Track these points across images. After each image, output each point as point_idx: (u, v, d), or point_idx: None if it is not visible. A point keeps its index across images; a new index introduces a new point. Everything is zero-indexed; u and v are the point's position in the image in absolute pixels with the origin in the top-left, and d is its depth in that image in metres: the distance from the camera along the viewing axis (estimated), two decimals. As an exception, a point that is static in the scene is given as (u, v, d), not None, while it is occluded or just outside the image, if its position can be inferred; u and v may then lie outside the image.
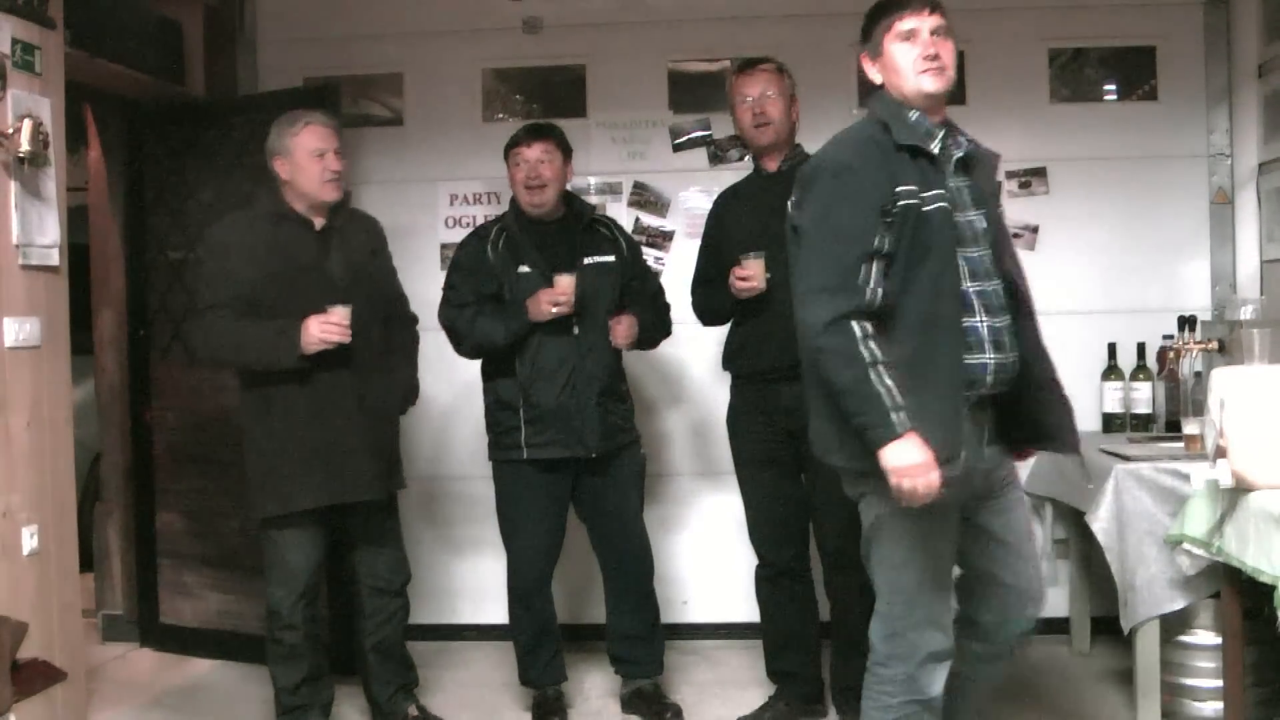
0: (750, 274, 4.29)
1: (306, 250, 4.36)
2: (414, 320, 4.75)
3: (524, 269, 4.56)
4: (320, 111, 4.59)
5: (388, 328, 4.55)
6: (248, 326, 4.26)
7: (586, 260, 4.60)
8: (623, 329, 4.59)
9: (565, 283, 4.44)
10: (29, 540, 4.40)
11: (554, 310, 4.43)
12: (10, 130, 4.24)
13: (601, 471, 4.65)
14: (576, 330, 4.52)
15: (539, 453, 4.55)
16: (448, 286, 4.67)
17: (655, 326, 4.78)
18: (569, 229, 4.66)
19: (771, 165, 4.53)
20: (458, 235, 5.63)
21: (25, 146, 4.24)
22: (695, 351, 5.58)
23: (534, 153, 4.58)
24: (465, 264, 4.65)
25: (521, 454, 4.57)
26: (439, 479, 5.83)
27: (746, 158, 5.57)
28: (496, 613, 5.55)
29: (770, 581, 4.59)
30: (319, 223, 4.41)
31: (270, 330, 4.23)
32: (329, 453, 4.31)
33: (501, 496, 4.70)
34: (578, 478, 4.65)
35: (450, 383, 5.56)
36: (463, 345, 4.64)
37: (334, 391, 4.31)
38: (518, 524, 4.66)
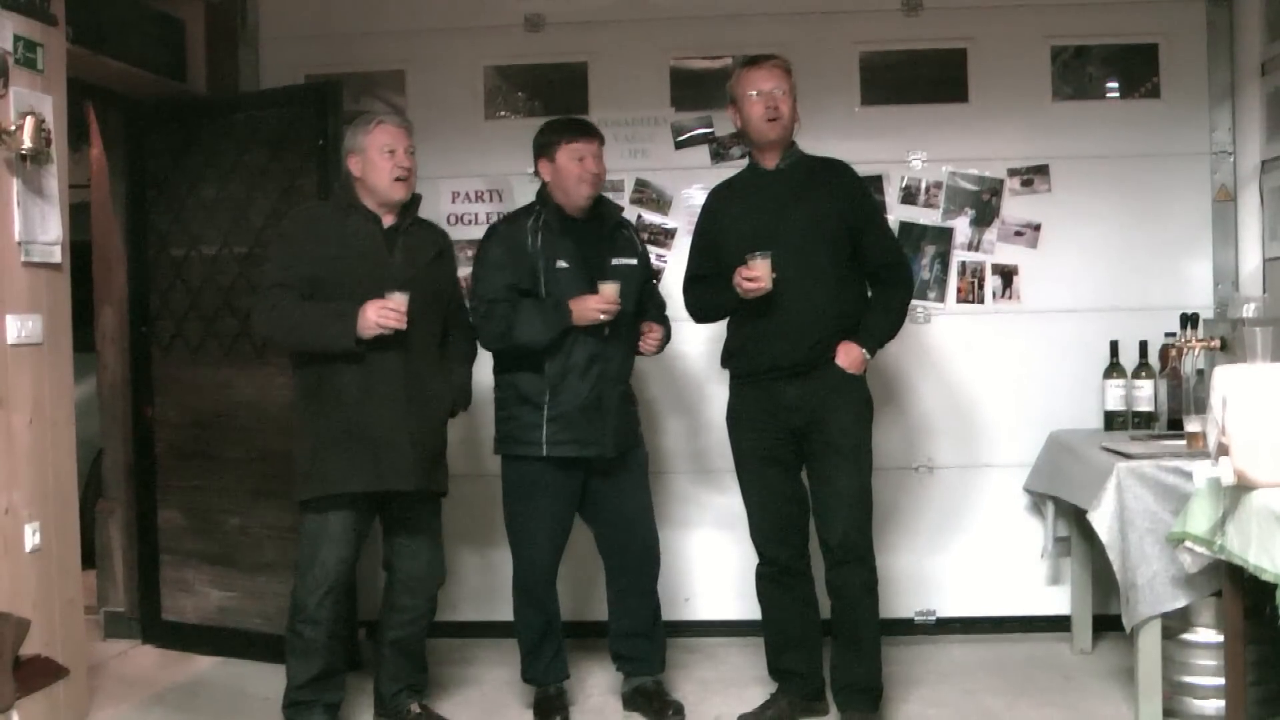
0: (757, 274, 4.24)
1: (372, 243, 4.41)
2: (474, 331, 4.77)
3: (562, 264, 4.55)
4: (395, 113, 4.78)
5: (445, 332, 4.60)
6: (308, 307, 4.33)
7: (614, 261, 4.62)
8: (655, 338, 4.66)
9: (612, 291, 4.46)
10: (31, 537, 4.42)
11: (602, 317, 4.45)
12: (12, 127, 4.25)
13: (613, 471, 4.66)
14: (606, 331, 4.53)
15: (559, 450, 4.55)
16: (479, 278, 4.64)
17: (668, 337, 4.82)
18: (597, 229, 4.67)
19: (769, 162, 4.50)
20: (460, 233, 5.66)
21: (27, 144, 4.26)
22: (693, 349, 5.58)
23: (594, 148, 4.60)
24: (500, 255, 4.60)
25: (541, 451, 4.55)
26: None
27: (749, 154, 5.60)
28: (497, 610, 5.56)
29: (772, 580, 4.59)
30: (388, 220, 4.46)
31: (329, 312, 4.28)
32: (373, 439, 4.34)
33: (512, 492, 4.69)
34: (588, 477, 4.65)
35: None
36: (496, 341, 4.60)
37: (384, 379, 4.35)
38: (528, 520, 4.65)
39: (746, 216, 4.47)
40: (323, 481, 4.36)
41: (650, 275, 4.84)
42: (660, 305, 4.87)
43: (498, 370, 4.70)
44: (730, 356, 4.58)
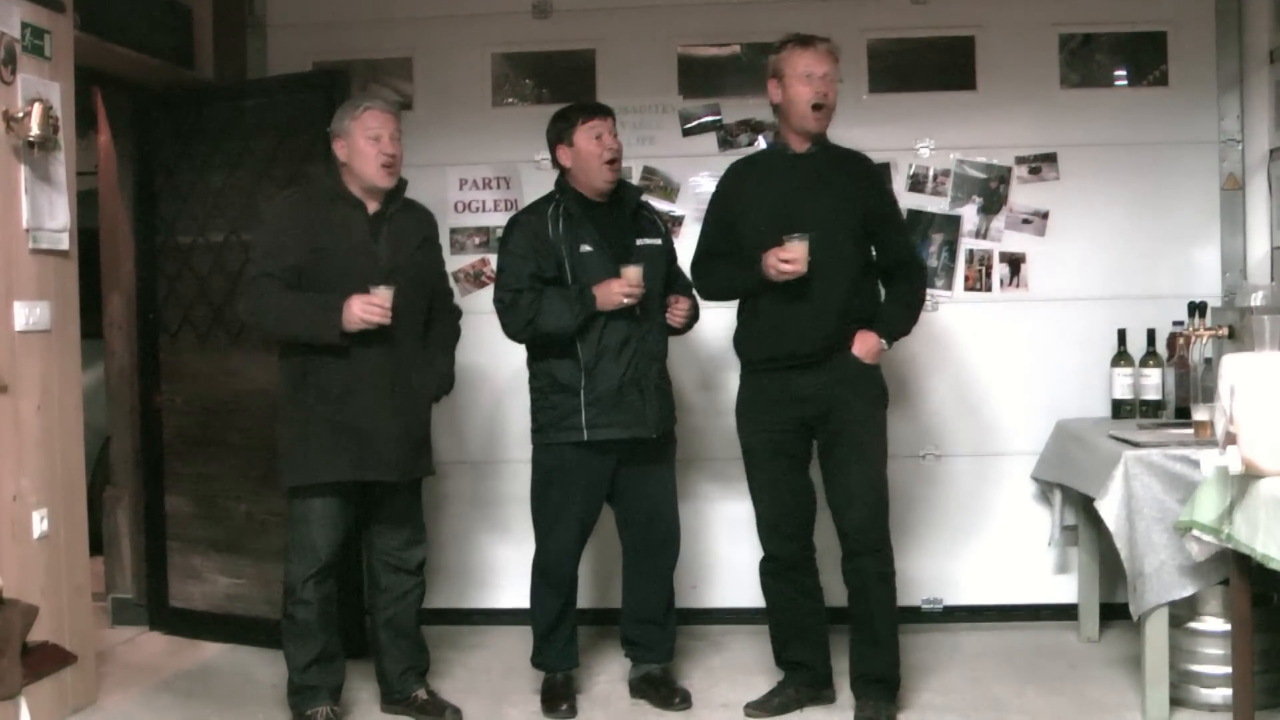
0: (794, 256, 4.17)
1: (357, 231, 4.41)
2: (458, 313, 4.79)
3: (586, 248, 4.54)
4: (381, 98, 4.76)
5: (430, 316, 4.60)
6: (294, 298, 4.33)
7: (638, 242, 4.62)
8: (683, 308, 4.64)
9: (635, 274, 4.45)
10: (39, 524, 4.42)
11: (626, 301, 4.45)
12: (20, 114, 4.25)
13: (647, 455, 4.66)
14: (638, 311, 4.52)
15: (600, 434, 4.54)
16: (503, 269, 4.63)
17: (696, 311, 4.78)
18: (618, 211, 4.66)
19: (799, 146, 4.42)
20: (467, 220, 5.67)
21: (35, 130, 4.26)
22: (709, 335, 5.57)
23: (609, 125, 4.59)
24: (523, 245, 4.59)
25: (582, 435, 4.54)
26: (441, 465, 5.82)
27: (757, 141, 5.58)
28: (504, 597, 5.60)
29: (776, 575, 4.57)
30: (373, 206, 4.46)
31: (315, 304, 4.29)
32: (356, 429, 4.36)
33: (545, 476, 4.68)
34: (620, 461, 4.64)
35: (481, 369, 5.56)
36: (522, 330, 4.58)
37: (368, 370, 4.36)
38: (560, 506, 4.64)
39: (771, 197, 4.40)
40: (306, 470, 4.39)
41: (674, 254, 4.82)
42: (687, 285, 4.82)
43: (532, 360, 4.69)
44: (744, 342, 4.53)
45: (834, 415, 4.36)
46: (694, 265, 4.66)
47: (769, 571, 4.59)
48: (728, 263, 4.50)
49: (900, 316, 4.47)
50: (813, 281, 4.25)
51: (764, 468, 4.51)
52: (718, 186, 4.65)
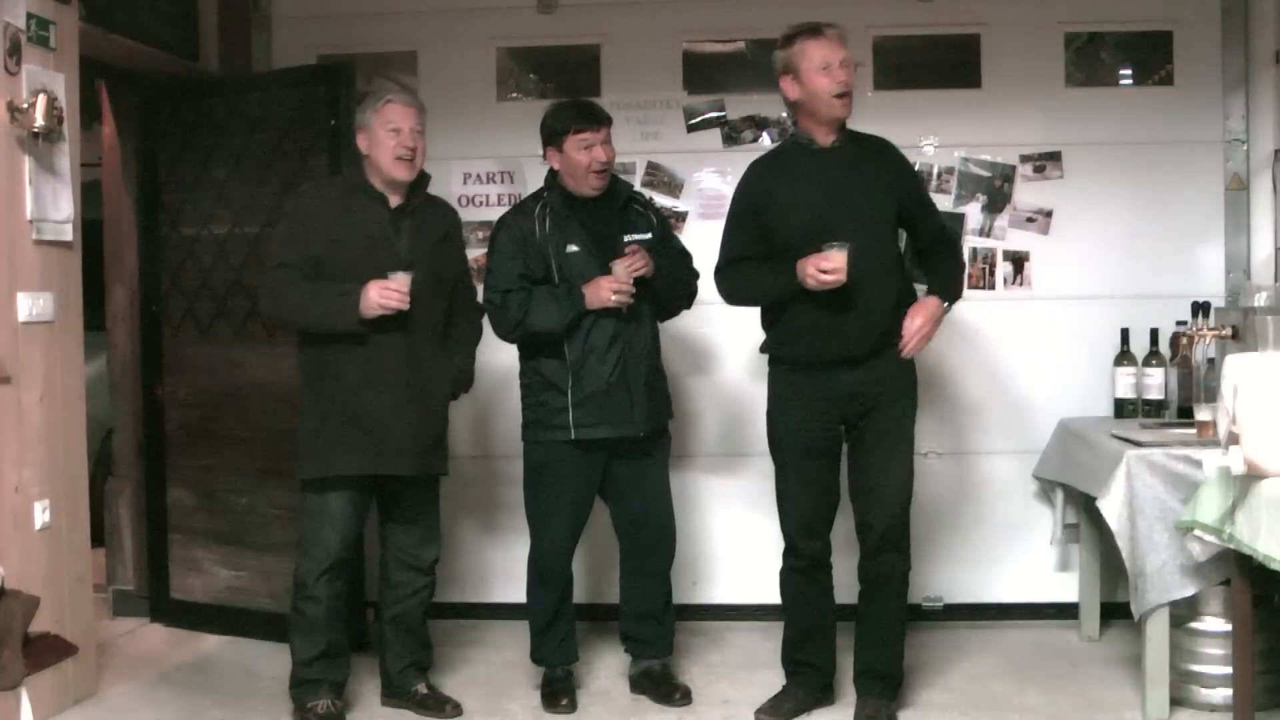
0: (835, 266, 4.02)
1: (377, 224, 4.41)
2: (480, 312, 4.76)
3: (572, 248, 4.53)
4: (406, 92, 4.79)
5: (451, 314, 4.60)
6: (311, 287, 4.33)
7: (627, 238, 4.58)
8: (638, 259, 4.49)
9: (623, 271, 4.44)
10: (41, 515, 4.43)
11: (615, 300, 4.43)
12: (25, 105, 4.25)
13: (637, 451, 4.64)
14: (624, 310, 4.49)
15: (588, 433, 4.53)
16: (491, 270, 4.61)
17: (675, 278, 4.69)
18: (608, 207, 4.64)
19: (825, 139, 4.29)
20: (472, 215, 5.65)
21: (40, 121, 4.26)
22: (713, 331, 5.57)
23: (602, 136, 4.55)
24: (510, 245, 4.57)
25: (570, 434, 4.53)
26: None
27: (761, 137, 5.58)
28: (505, 592, 5.59)
29: (802, 574, 4.48)
30: (394, 200, 4.46)
31: (332, 292, 4.29)
32: (371, 422, 4.35)
33: (535, 473, 4.68)
34: (611, 457, 4.63)
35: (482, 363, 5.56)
36: (512, 331, 4.57)
37: (385, 362, 4.36)
38: (552, 502, 4.64)
39: (806, 198, 4.26)
40: (322, 462, 4.39)
41: (666, 244, 4.75)
42: (682, 255, 4.80)
43: (523, 357, 4.68)
44: (782, 343, 4.39)
45: (873, 412, 4.29)
46: (719, 271, 4.50)
47: (797, 570, 4.49)
48: (758, 268, 4.36)
49: (952, 281, 4.38)
50: (859, 284, 4.12)
51: (799, 466, 4.39)
52: (741, 187, 4.48)
